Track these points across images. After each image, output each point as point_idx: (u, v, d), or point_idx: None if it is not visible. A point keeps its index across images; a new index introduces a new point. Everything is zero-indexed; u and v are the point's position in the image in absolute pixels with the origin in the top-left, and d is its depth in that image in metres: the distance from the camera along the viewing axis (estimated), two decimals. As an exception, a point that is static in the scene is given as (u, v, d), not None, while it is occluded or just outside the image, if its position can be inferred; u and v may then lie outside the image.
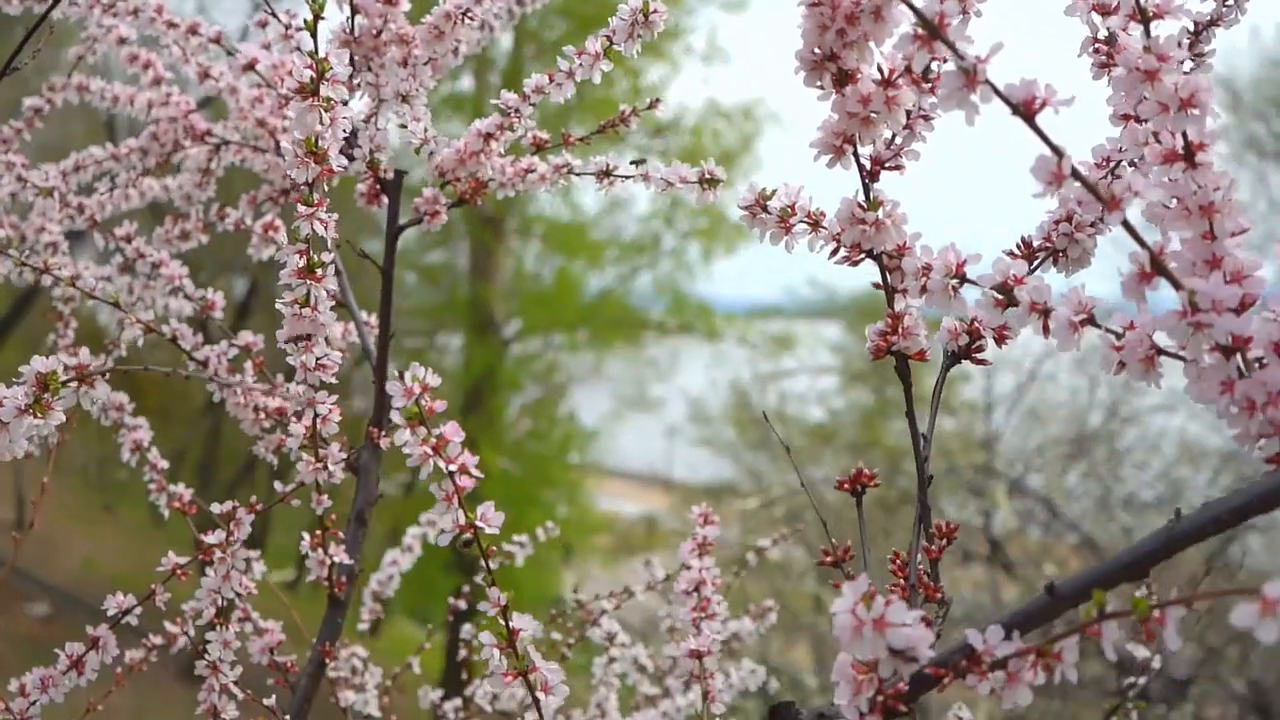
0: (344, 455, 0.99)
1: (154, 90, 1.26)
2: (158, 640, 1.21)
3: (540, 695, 0.70)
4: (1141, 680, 1.20)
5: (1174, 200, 0.62)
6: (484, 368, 10.91)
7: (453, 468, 0.68)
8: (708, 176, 0.92)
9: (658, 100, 1.09)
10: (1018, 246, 0.76)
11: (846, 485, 0.71)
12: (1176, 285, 0.56)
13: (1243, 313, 0.59)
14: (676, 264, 11.73)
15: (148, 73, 1.26)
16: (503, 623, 0.71)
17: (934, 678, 0.59)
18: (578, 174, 1.04)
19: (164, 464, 1.16)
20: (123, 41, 1.24)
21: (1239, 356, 0.56)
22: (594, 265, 11.76)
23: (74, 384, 0.73)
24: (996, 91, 0.55)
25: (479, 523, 0.69)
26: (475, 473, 0.69)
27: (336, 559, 1.05)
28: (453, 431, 0.69)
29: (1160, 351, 0.60)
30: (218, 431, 9.88)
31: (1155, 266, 0.57)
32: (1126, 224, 0.56)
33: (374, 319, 1.21)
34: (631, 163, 0.99)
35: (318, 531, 1.04)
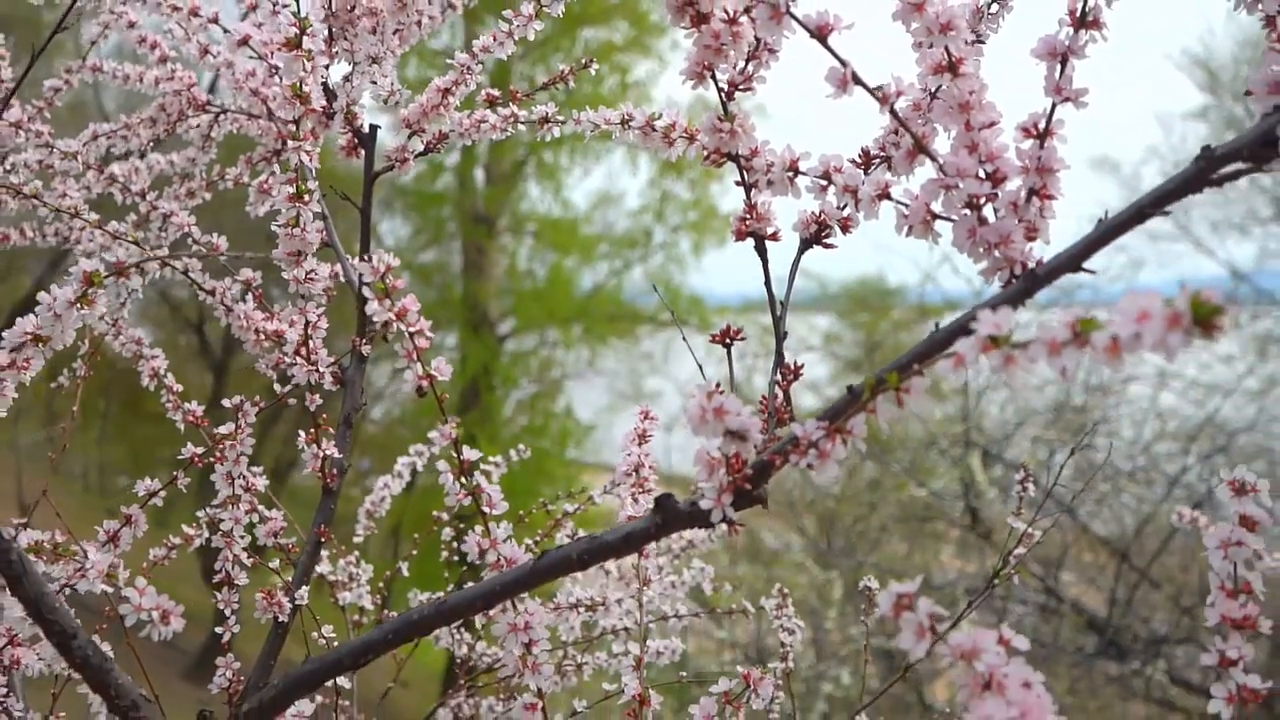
0: (332, 360, 1.18)
1: (160, 68, 1.46)
2: (176, 540, 1.41)
3: (486, 510, 0.90)
4: (1020, 551, 1.39)
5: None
6: (480, 365, 11.08)
7: (413, 329, 0.88)
8: (627, 118, 1.11)
9: (591, 60, 1.29)
10: (859, 154, 0.96)
11: (717, 338, 0.91)
12: (933, 159, 0.76)
13: (996, 185, 0.79)
14: (668, 258, 11.93)
15: (154, 52, 1.46)
16: (455, 454, 0.91)
17: (770, 463, 0.78)
18: (522, 123, 1.24)
19: (179, 387, 1.36)
20: (132, 25, 1.44)
21: (981, 212, 0.76)
22: (586, 261, 11.95)
23: (112, 278, 0.93)
24: (797, 20, 0.75)
25: (434, 372, 0.89)
26: (429, 335, 0.88)
27: (329, 453, 1.25)
28: (411, 302, 0.88)
29: (935, 216, 0.80)
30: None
31: (918, 147, 0.77)
32: (893, 113, 0.75)
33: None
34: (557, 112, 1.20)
35: (311, 430, 1.24)
